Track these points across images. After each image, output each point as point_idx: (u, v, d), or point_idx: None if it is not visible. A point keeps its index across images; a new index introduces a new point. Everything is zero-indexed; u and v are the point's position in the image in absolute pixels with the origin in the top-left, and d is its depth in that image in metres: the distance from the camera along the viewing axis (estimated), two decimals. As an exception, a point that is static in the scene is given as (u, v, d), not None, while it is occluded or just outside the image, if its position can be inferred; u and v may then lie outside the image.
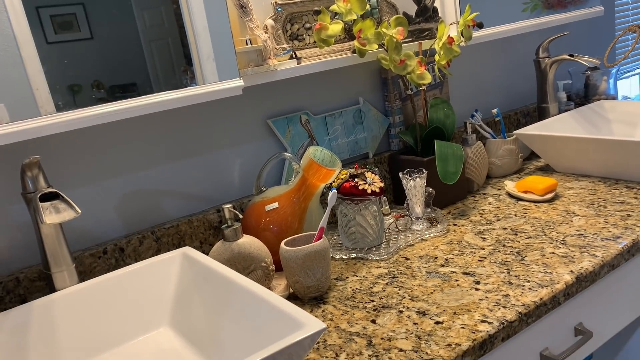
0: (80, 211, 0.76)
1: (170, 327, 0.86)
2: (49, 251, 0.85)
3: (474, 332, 0.78)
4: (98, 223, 1.02)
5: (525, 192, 1.27)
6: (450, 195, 1.31)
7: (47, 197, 0.79)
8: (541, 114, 1.60)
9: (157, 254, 1.04)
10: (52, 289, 0.86)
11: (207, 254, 1.08)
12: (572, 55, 1.48)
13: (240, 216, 0.93)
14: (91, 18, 0.92)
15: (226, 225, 0.94)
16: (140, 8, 0.97)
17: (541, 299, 0.84)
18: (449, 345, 0.75)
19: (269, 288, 0.98)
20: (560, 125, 1.50)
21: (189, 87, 0.98)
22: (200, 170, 1.13)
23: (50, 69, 0.88)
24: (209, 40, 1.01)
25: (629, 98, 2.16)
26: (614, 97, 1.73)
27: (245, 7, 1.03)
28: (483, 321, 0.80)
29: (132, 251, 1.02)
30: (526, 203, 1.25)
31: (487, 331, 0.78)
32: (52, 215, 0.74)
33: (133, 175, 1.05)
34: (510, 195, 1.31)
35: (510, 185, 1.33)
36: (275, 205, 1.04)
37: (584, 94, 1.75)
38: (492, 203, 1.28)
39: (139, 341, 0.83)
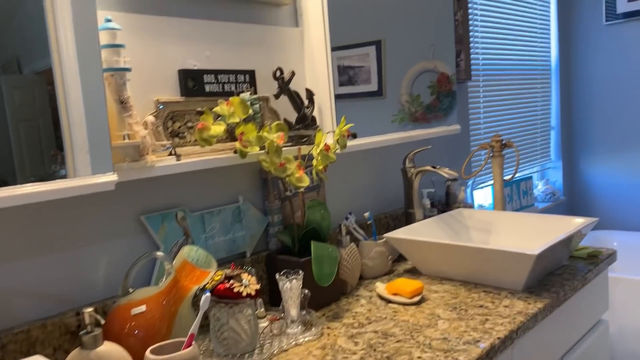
0: None
1: None
2: None
3: None
4: None
5: (395, 294, 1.32)
6: (325, 297, 1.32)
7: None
8: (408, 218, 1.71)
9: (-2, 365, 0.92)
10: None
11: (59, 363, 0.97)
12: (434, 167, 1.62)
13: (102, 321, 0.86)
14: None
15: (85, 331, 0.86)
16: (11, 86, 0.91)
17: (410, 406, 0.85)
18: None
19: (130, 402, 0.89)
20: (425, 230, 1.61)
21: (57, 180, 0.92)
22: (60, 269, 1.04)
23: None
24: (85, 132, 0.97)
25: (483, 206, 2.40)
26: (471, 206, 1.91)
27: (125, 103, 1.02)
28: None
29: (-33, 362, 0.89)
30: (395, 305, 1.29)
31: None
32: None
33: (-21, 272, 0.94)
34: (381, 297, 1.35)
35: (380, 287, 1.38)
36: (143, 308, 0.97)
37: (445, 202, 1.91)
38: (364, 305, 1.31)
39: None
